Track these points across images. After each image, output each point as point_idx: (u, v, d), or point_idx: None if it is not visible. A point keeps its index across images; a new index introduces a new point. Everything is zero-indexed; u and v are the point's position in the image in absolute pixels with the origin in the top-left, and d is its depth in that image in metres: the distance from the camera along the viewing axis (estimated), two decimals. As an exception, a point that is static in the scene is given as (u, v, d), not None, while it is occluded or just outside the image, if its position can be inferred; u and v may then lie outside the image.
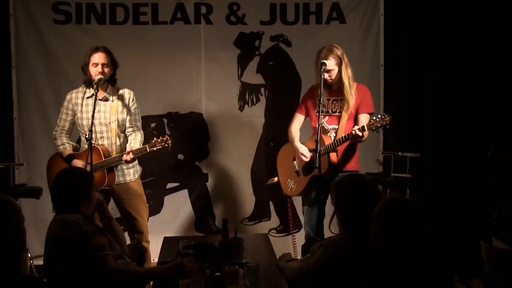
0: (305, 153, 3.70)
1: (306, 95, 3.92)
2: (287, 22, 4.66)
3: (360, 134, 3.42)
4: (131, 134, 3.84)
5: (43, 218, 4.27)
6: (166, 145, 3.65)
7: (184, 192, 4.74)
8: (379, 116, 3.38)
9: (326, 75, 3.60)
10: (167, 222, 4.67)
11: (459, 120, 4.73)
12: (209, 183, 4.75)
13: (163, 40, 4.60)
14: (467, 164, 4.71)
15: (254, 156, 4.75)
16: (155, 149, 3.64)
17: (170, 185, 4.74)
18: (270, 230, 4.74)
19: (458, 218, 4.65)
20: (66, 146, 3.80)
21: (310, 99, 3.83)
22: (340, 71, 3.64)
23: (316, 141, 3.37)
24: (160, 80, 4.63)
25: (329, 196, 2.80)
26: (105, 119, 3.76)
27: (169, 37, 4.60)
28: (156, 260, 3.07)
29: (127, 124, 3.83)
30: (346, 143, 3.63)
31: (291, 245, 4.46)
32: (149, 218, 4.52)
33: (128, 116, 3.82)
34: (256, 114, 4.72)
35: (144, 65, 4.60)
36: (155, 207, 4.68)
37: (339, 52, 3.63)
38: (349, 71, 3.66)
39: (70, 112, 3.82)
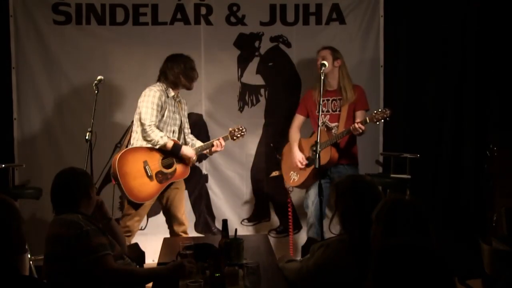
0: (302, 160, 4.12)
1: (305, 96, 4.22)
2: (287, 23, 4.66)
3: (363, 127, 3.76)
4: (188, 135, 4.09)
5: (43, 219, 4.27)
6: (243, 133, 4.15)
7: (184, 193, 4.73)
8: (380, 110, 3.77)
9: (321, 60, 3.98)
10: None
11: (459, 121, 4.73)
12: (209, 184, 4.74)
13: (163, 41, 4.58)
14: (467, 164, 4.71)
15: (254, 156, 4.75)
16: (235, 138, 4.12)
17: (170, 186, 4.73)
18: (270, 230, 4.73)
19: (458, 219, 4.65)
20: (165, 137, 3.84)
21: (309, 100, 4.12)
22: (337, 69, 4.04)
23: (316, 142, 3.51)
24: (160, 81, 4.63)
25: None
26: (179, 119, 4.00)
27: (169, 38, 4.58)
28: (156, 260, 3.07)
29: (186, 125, 4.09)
30: (346, 138, 3.99)
31: (289, 246, 4.46)
32: (149, 219, 4.56)
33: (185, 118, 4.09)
34: (256, 115, 4.71)
35: (144, 65, 4.58)
36: (155, 208, 4.66)
37: (336, 50, 4.07)
38: (346, 70, 4.08)
39: (160, 109, 3.86)
